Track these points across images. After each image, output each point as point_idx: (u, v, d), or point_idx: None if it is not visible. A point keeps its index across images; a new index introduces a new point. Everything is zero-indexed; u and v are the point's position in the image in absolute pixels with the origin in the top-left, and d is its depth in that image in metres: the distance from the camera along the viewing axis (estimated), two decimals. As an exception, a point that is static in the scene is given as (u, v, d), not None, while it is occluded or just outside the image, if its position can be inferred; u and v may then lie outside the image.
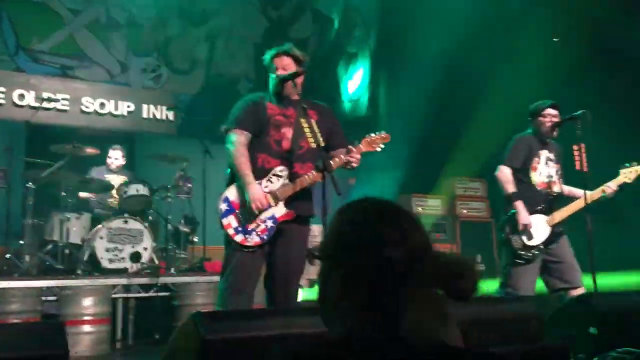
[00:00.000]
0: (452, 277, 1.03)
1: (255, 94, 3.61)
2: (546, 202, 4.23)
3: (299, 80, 3.46)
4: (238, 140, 3.39)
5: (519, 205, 4.12)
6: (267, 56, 3.56)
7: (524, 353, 2.31)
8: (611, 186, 4.24)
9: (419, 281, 1.04)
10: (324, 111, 3.58)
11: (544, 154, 4.32)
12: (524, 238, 4.10)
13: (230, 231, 3.32)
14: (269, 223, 3.35)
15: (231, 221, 3.34)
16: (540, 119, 4.30)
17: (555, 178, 4.33)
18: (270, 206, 3.35)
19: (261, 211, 3.33)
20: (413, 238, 1.08)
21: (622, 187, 4.27)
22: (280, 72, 3.46)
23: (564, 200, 4.34)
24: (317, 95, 3.69)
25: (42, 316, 4.84)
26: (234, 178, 3.42)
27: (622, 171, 4.30)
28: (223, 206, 3.36)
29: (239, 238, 3.31)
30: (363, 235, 1.10)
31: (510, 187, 4.19)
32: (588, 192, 4.11)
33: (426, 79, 8.13)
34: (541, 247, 4.12)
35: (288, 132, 3.44)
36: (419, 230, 1.12)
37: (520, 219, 4.09)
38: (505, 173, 4.25)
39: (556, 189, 4.31)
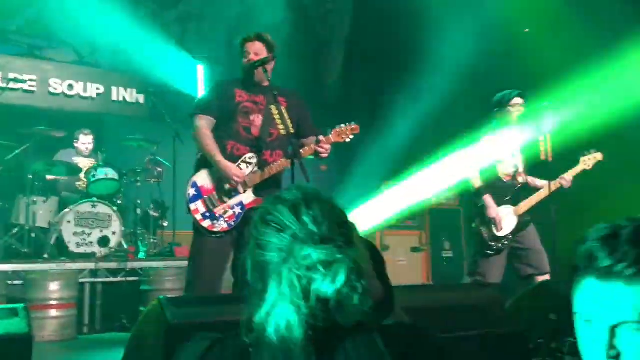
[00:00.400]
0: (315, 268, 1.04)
1: (224, 80, 3.61)
2: (513, 193, 4.32)
3: (270, 66, 3.46)
4: (201, 124, 3.41)
5: (488, 199, 4.20)
6: (239, 41, 3.56)
7: (484, 338, 2.37)
8: (566, 178, 4.36)
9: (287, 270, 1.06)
10: (294, 98, 3.59)
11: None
12: (494, 230, 4.18)
13: (198, 216, 3.34)
14: (237, 210, 3.36)
15: (199, 206, 3.35)
16: (509, 108, 4.34)
17: (520, 168, 4.41)
18: (238, 193, 3.36)
19: (230, 196, 3.35)
20: (320, 227, 1.09)
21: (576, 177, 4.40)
22: (252, 58, 3.46)
23: (529, 189, 4.43)
24: (290, 82, 3.69)
25: (7, 300, 4.80)
26: (203, 163, 3.42)
27: (582, 159, 4.43)
28: (191, 191, 3.37)
29: (206, 224, 3.33)
30: (271, 219, 1.13)
31: (477, 182, 4.26)
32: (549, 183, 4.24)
33: (399, 65, 8.17)
34: (510, 236, 4.22)
35: (257, 119, 3.45)
36: (330, 221, 1.12)
37: (489, 213, 4.17)
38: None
39: (521, 179, 4.40)
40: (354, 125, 3.50)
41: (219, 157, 3.33)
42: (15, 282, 5.04)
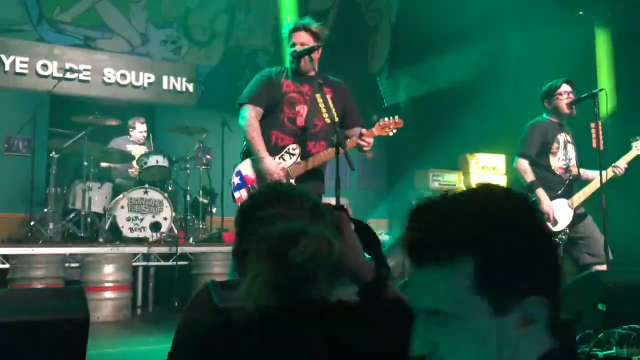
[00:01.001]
0: (282, 243, 1.10)
1: (272, 69, 3.63)
2: (566, 185, 4.21)
3: (315, 55, 3.45)
4: (249, 114, 3.43)
5: (540, 193, 4.08)
6: (285, 31, 3.56)
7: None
8: (620, 165, 4.22)
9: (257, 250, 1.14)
10: (339, 88, 3.58)
11: (562, 137, 4.26)
12: (549, 225, 4.09)
13: (242, 204, 3.39)
14: (279, 200, 3.40)
15: (243, 195, 3.40)
16: (558, 96, 4.23)
17: (573, 161, 4.30)
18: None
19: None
20: (289, 217, 1.17)
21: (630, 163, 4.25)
22: (298, 48, 3.46)
23: (582, 181, 4.33)
24: (336, 69, 3.69)
25: (65, 282, 5.01)
26: (248, 153, 3.47)
27: (634, 144, 4.26)
28: (236, 180, 3.43)
29: (249, 212, 3.37)
30: (248, 213, 1.24)
31: (529, 176, 4.16)
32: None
33: (446, 53, 8.06)
34: (567, 230, 4.13)
35: (303, 109, 3.47)
36: (297, 211, 1.19)
37: (542, 207, 4.06)
38: (522, 163, 4.20)
39: (574, 171, 4.29)
40: (397, 119, 3.48)
41: (263, 154, 3.35)
42: (73, 265, 5.26)
